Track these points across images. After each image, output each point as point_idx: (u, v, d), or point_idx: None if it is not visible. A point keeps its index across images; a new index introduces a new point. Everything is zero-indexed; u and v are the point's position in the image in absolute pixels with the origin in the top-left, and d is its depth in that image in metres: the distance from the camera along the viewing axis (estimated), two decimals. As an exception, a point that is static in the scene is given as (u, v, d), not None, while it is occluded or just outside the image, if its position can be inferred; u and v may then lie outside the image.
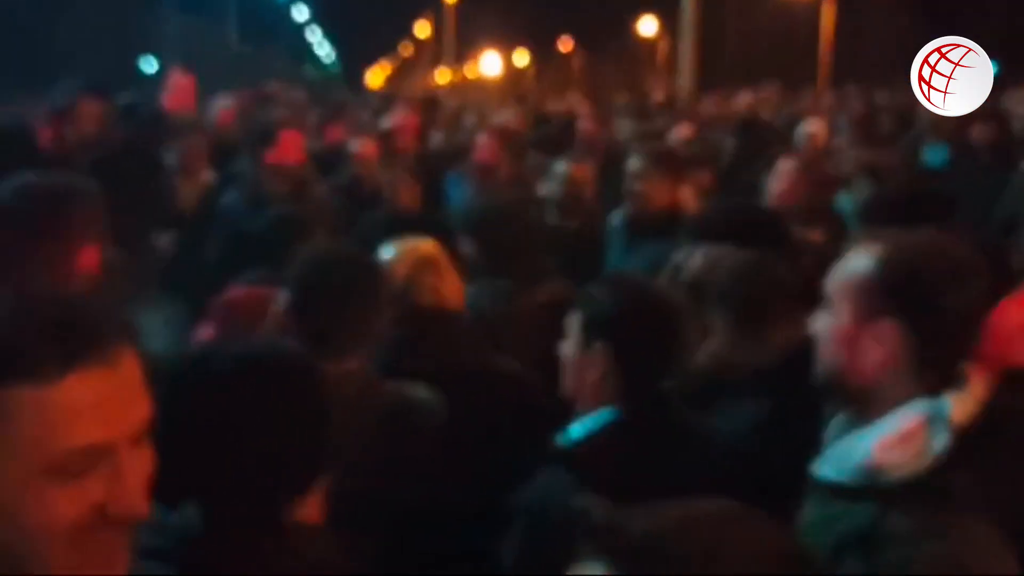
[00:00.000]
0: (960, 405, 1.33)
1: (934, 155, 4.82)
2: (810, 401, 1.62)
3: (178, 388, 1.23)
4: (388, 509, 1.67)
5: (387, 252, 2.31)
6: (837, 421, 1.49)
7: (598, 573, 0.77)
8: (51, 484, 0.83)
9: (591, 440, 1.67)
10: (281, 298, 1.92)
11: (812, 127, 5.55)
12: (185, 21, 19.74)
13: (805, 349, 1.53)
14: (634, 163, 3.68)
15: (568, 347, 1.79)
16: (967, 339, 1.39)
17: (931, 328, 1.35)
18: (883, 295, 1.37)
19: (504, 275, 2.77)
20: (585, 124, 6.00)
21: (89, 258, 2.01)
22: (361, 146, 4.75)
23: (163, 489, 1.18)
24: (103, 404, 0.85)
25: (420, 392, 1.94)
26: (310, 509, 1.25)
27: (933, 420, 1.31)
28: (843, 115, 6.77)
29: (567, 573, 0.80)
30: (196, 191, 4.41)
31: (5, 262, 1.91)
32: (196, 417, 1.20)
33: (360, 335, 1.86)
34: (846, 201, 3.85)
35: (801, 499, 1.46)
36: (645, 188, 3.58)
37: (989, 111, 4.82)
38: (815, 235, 3.33)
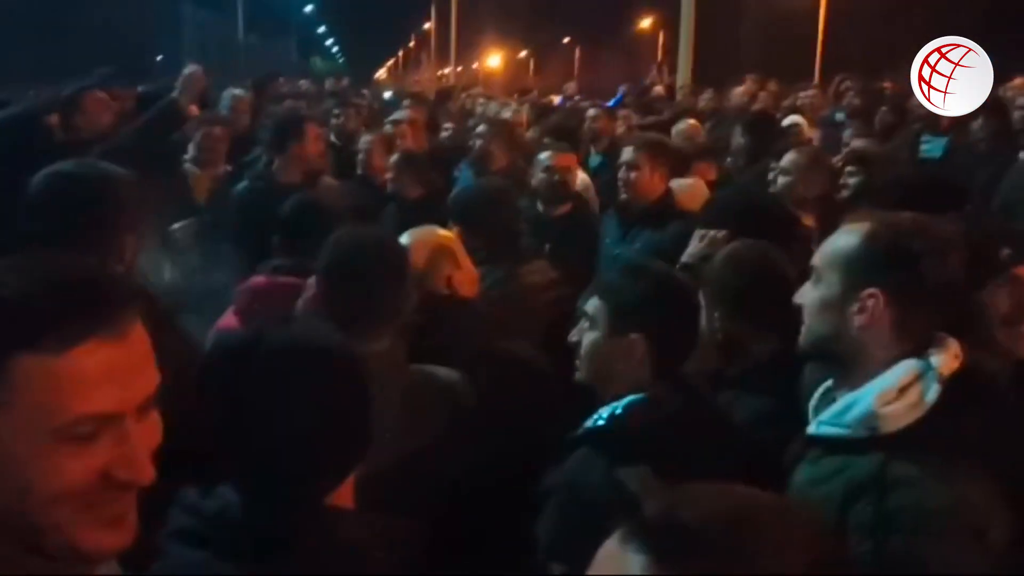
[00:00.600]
0: (944, 362, 1.47)
1: (932, 147, 4.91)
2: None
3: (225, 369, 1.23)
4: (417, 489, 1.67)
5: (404, 239, 2.35)
6: (820, 389, 1.62)
7: (636, 571, 0.71)
8: (59, 448, 0.86)
9: (624, 420, 1.71)
10: (312, 281, 1.98)
11: (796, 120, 5.69)
12: (196, 13, 19.76)
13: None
14: (627, 152, 3.74)
15: (592, 336, 1.81)
16: (945, 307, 1.53)
17: (910, 296, 1.49)
18: (867, 266, 1.51)
19: (491, 259, 2.83)
20: (596, 115, 6.09)
21: (128, 245, 2.05)
22: (371, 139, 4.82)
23: (203, 470, 1.19)
24: (111, 374, 0.87)
25: (449, 373, 1.97)
26: (343, 492, 1.25)
27: (924, 374, 1.46)
28: (840, 108, 6.86)
29: (601, 547, 0.76)
30: (212, 182, 4.49)
31: (47, 249, 1.96)
32: (243, 398, 1.19)
33: (389, 316, 1.90)
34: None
35: None
36: (637, 177, 3.67)
37: (992, 103, 4.89)
38: (808, 220, 3.42)
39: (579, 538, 1.46)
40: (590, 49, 35.23)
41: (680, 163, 4.19)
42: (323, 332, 1.31)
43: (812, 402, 1.62)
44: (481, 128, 4.78)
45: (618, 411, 1.72)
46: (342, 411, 1.23)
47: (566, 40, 38.28)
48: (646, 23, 33.11)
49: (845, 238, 1.56)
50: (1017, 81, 6.54)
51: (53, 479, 0.86)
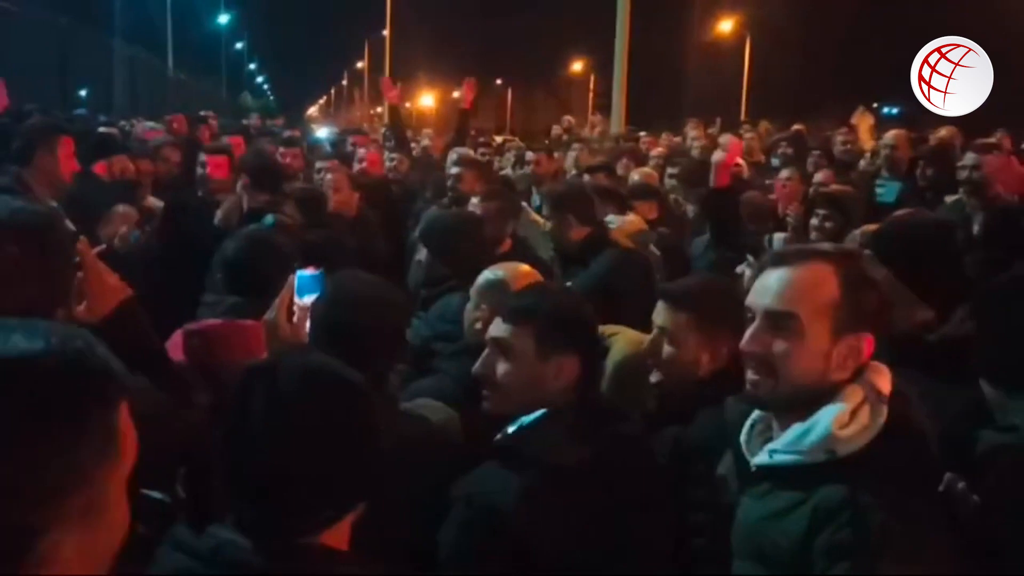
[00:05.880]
0: (885, 385, 1.51)
1: (887, 192, 5.04)
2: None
3: (244, 399, 1.20)
4: (407, 528, 1.67)
5: (495, 274, 2.41)
6: (748, 422, 1.62)
7: None
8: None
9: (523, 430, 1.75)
10: (309, 322, 1.91)
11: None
12: (125, 48, 19.51)
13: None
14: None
15: (515, 363, 1.81)
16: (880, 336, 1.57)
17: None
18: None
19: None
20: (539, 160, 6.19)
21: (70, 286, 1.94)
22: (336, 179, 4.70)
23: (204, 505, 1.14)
24: None
25: (438, 413, 1.94)
26: (339, 532, 1.22)
27: (870, 397, 1.49)
28: (775, 155, 7.12)
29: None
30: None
31: (8, 281, 1.84)
32: (254, 425, 1.18)
33: (381, 357, 1.87)
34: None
35: None
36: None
37: (935, 152, 5.08)
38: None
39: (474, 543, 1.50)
40: (522, 91, 35.77)
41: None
42: (342, 368, 1.28)
43: (743, 436, 1.61)
44: (457, 168, 4.76)
45: (525, 423, 1.74)
46: (351, 446, 1.20)
47: (499, 81, 38.81)
48: (577, 67, 33.85)
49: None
50: (943, 131, 6.80)
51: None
